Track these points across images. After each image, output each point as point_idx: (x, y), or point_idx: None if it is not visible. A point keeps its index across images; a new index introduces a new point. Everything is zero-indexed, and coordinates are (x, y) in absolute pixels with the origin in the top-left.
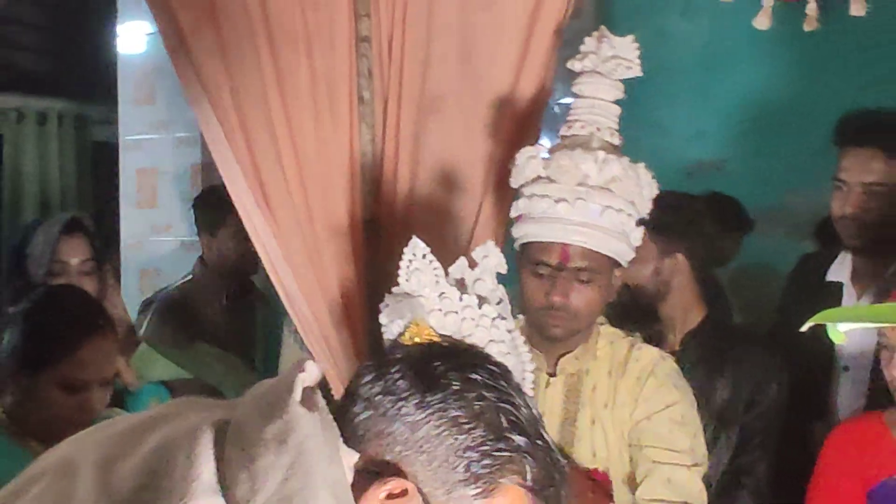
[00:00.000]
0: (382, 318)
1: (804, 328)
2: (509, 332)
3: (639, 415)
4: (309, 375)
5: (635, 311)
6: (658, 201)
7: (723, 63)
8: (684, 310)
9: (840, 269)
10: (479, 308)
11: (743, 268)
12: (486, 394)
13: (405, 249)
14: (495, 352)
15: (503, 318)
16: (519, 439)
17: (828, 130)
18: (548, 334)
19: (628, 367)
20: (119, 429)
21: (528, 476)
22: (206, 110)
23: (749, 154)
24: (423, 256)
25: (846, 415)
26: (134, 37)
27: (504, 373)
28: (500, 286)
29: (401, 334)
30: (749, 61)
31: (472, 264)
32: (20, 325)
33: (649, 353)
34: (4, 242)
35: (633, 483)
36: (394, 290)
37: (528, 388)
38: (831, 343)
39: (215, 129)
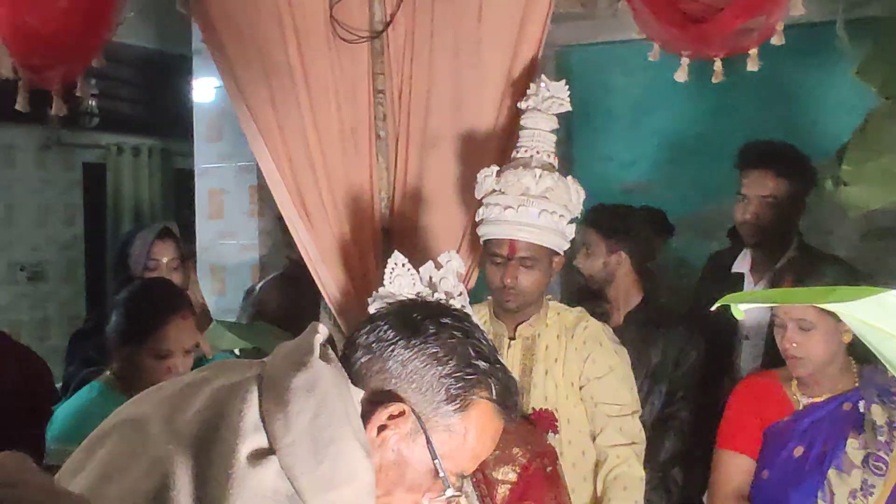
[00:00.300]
0: (371, 310)
1: (714, 308)
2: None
3: (590, 374)
4: (321, 335)
5: (589, 294)
6: (606, 212)
7: (652, 107)
8: (626, 294)
9: (742, 263)
10: (447, 303)
11: (667, 262)
12: (455, 333)
13: (388, 260)
14: None
15: (463, 307)
16: (483, 365)
17: (731, 157)
18: (505, 307)
19: (576, 332)
20: (172, 389)
21: (494, 392)
22: (260, 145)
23: (671, 176)
24: (403, 265)
25: (746, 373)
26: (205, 89)
27: (466, 316)
28: (461, 283)
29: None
30: (671, 105)
31: (438, 266)
32: (123, 308)
33: (596, 324)
34: (110, 246)
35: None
36: (379, 290)
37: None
38: (734, 319)
39: (267, 159)
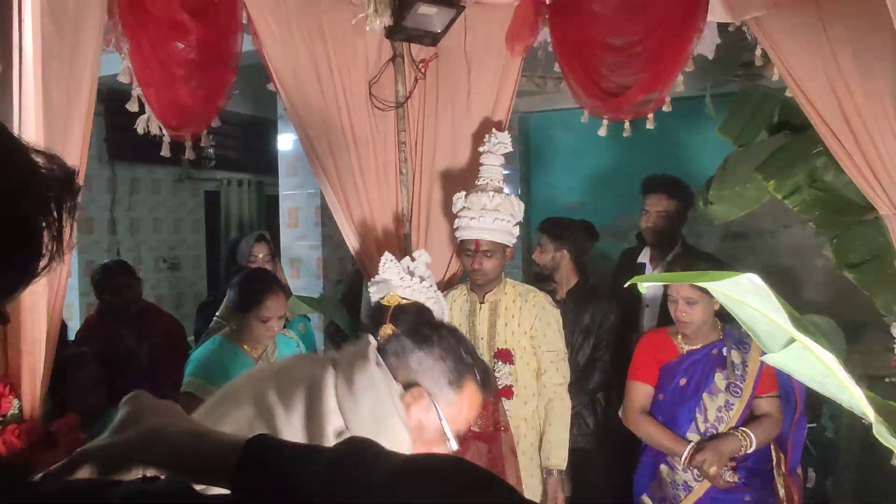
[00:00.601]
0: (371, 290)
1: (626, 285)
2: (435, 293)
3: (537, 327)
4: (373, 345)
5: (542, 278)
6: (553, 223)
7: (584, 153)
8: (567, 277)
9: (644, 256)
10: (420, 283)
11: (595, 256)
12: (451, 340)
13: (381, 258)
14: (430, 304)
15: (431, 286)
16: (469, 360)
17: (637, 185)
18: (476, 283)
19: (528, 298)
20: (266, 373)
21: (478, 376)
22: (323, 179)
23: (597, 199)
24: (391, 261)
25: (647, 329)
26: (286, 141)
27: (454, 329)
28: (428, 270)
29: (382, 298)
30: (597, 151)
31: (412, 259)
32: (238, 288)
33: (542, 294)
34: (223, 246)
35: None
36: (375, 278)
37: (445, 318)
38: (639, 293)
39: (328, 189)
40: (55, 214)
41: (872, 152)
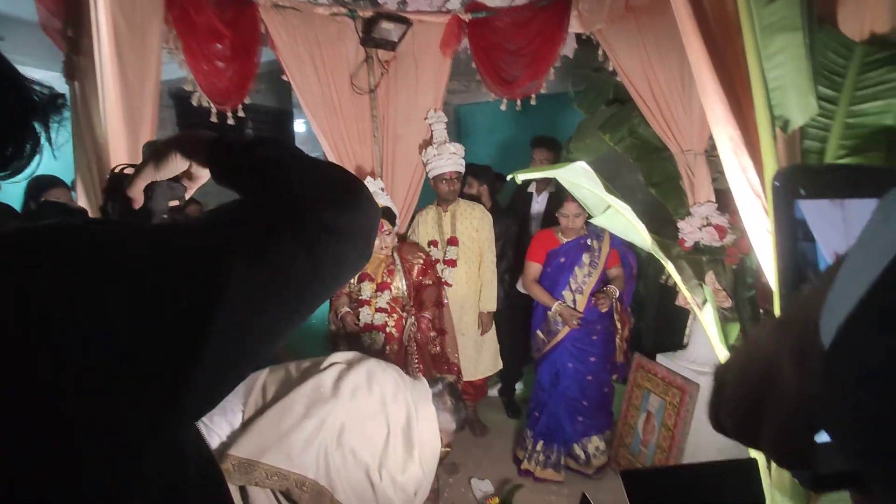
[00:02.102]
0: None
1: (508, 177)
2: (387, 199)
3: (481, 226)
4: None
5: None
6: (477, 170)
7: (495, 127)
8: (486, 202)
9: (532, 187)
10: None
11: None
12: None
13: (366, 180)
14: (387, 203)
15: (386, 195)
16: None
17: (528, 143)
18: (445, 200)
19: (475, 209)
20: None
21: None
22: (323, 141)
23: (504, 155)
24: (370, 181)
25: (537, 231)
26: (299, 124)
27: (452, 384)
28: (383, 192)
29: None
30: (502, 125)
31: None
32: None
33: (481, 206)
34: None
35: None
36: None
37: (391, 206)
38: (531, 210)
39: (327, 147)
40: (44, 123)
41: (668, 113)
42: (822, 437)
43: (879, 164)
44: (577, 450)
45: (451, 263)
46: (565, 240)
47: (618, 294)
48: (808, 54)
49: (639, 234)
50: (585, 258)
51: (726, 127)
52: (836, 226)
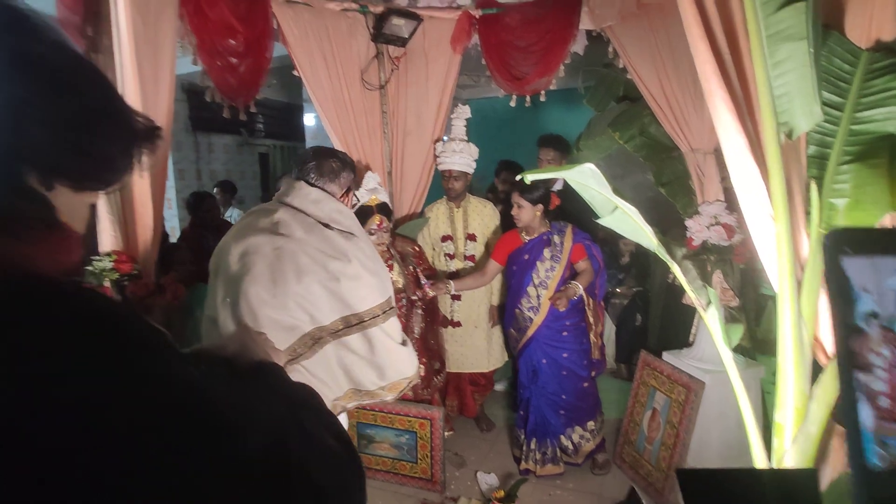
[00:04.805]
0: (360, 194)
1: (518, 178)
2: (385, 193)
3: (490, 222)
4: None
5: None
6: (504, 165)
7: (505, 122)
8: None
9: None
10: (382, 189)
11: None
12: (347, 158)
13: (366, 174)
14: (385, 199)
15: (384, 191)
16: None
17: (534, 142)
18: (451, 197)
19: (486, 206)
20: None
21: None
22: (333, 136)
23: (511, 154)
24: (374, 178)
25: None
26: (309, 118)
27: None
28: (380, 186)
29: (366, 201)
30: (512, 120)
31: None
32: None
33: (492, 205)
34: (272, 189)
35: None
36: (359, 191)
37: (388, 202)
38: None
39: (337, 142)
40: (138, 147)
41: (678, 112)
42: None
43: (883, 169)
44: (565, 441)
45: (472, 259)
46: (528, 238)
47: (580, 291)
48: (813, 62)
49: (646, 236)
50: (546, 253)
51: (732, 133)
52: (874, 278)
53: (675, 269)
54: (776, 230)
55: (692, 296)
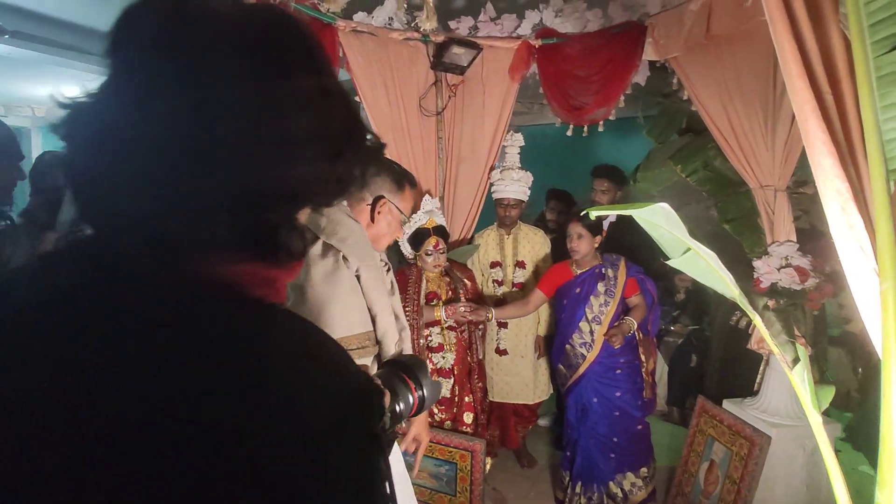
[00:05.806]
0: (417, 216)
1: (581, 213)
2: (442, 216)
3: (541, 250)
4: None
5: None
6: (550, 193)
7: (559, 150)
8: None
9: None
10: (439, 211)
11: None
12: (394, 165)
13: (422, 202)
14: (442, 221)
15: (441, 213)
16: (400, 170)
17: (585, 170)
18: (504, 224)
19: (536, 234)
20: None
21: (409, 179)
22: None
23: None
24: (430, 200)
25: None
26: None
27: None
28: (438, 211)
29: (422, 224)
30: (567, 149)
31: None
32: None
33: (541, 232)
34: None
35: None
36: (417, 213)
37: (444, 224)
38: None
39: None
40: (363, 164)
41: (746, 146)
42: None
43: None
44: (614, 487)
45: (520, 286)
46: (579, 271)
47: (634, 328)
48: None
49: (723, 282)
50: (601, 287)
51: (834, 180)
52: None
53: (757, 320)
54: (881, 288)
55: (776, 352)
